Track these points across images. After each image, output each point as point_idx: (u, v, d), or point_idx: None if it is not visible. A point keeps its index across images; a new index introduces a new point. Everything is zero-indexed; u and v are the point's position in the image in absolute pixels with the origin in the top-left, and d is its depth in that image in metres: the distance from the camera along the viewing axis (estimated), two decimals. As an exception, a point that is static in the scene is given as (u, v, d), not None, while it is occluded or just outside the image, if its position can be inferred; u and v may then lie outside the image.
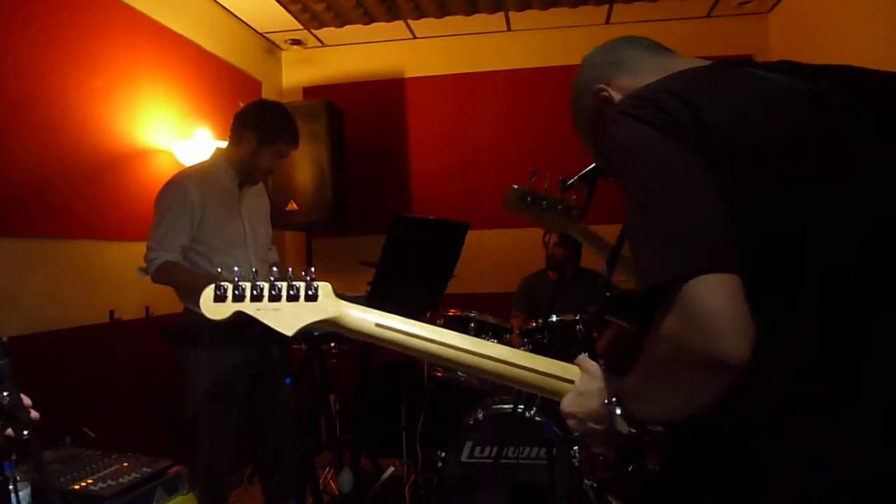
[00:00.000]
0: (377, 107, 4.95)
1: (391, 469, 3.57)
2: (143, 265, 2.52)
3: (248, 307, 1.01)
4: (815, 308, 0.84)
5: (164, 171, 3.43)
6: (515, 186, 1.83)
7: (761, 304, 0.80)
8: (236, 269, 1.10)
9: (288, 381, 2.32)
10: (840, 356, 0.83)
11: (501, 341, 3.21)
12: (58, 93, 2.83)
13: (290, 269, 1.04)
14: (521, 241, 4.41)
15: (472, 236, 2.39)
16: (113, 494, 1.80)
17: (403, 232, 2.08)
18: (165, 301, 2.81)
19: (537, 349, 2.77)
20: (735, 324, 0.78)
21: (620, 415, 0.96)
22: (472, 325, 3.19)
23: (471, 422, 3.02)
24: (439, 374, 3.22)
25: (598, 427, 1.00)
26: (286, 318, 1.01)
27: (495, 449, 2.89)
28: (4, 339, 1.23)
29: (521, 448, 2.91)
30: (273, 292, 1.02)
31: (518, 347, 3.22)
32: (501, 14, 4.50)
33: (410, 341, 1.04)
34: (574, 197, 1.89)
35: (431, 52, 4.92)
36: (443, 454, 3.02)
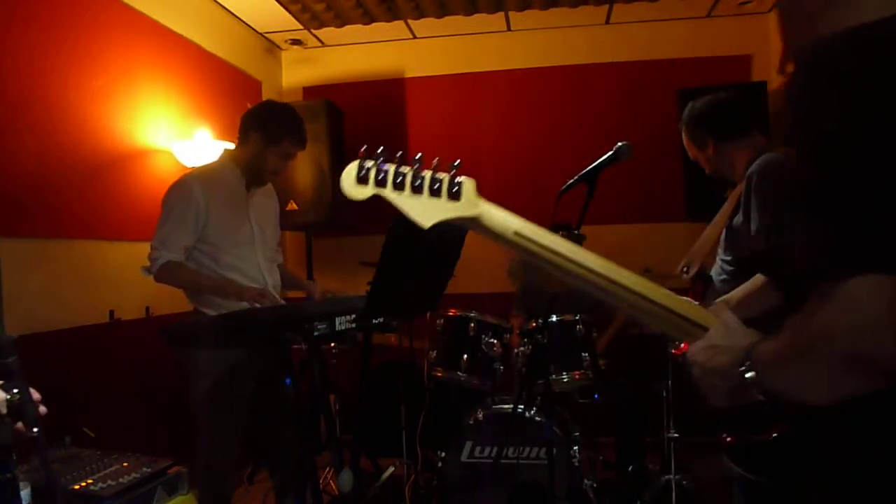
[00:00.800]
0: (377, 107, 4.95)
1: (391, 469, 3.57)
2: (147, 264, 2.53)
3: (388, 194, 0.99)
4: None
5: (164, 171, 3.43)
6: (516, 259, 1.88)
7: None
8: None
9: (288, 381, 2.32)
10: None
11: (501, 341, 3.22)
12: (58, 93, 2.83)
13: (435, 160, 1.01)
14: (521, 241, 4.40)
15: (472, 236, 2.37)
16: (113, 494, 1.80)
17: (403, 232, 2.08)
18: (165, 301, 2.81)
19: (537, 349, 2.77)
20: (893, 329, 0.75)
21: (751, 381, 0.93)
22: (472, 325, 3.20)
23: (471, 422, 3.02)
24: (439, 374, 3.22)
25: (721, 383, 0.98)
26: (426, 209, 0.99)
27: (495, 449, 2.89)
28: (14, 336, 1.24)
29: (521, 448, 2.91)
30: (416, 183, 0.99)
31: (518, 347, 3.25)
32: (501, 14, 4.50)
33: (545, 255, 1.03)
34: (577, 232, 1.95)
35: (431, 52, 4.92)
36: (443, 454, 3.02)
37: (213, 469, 2.50)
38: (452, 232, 2.36)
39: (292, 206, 4.20)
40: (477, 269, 3.86)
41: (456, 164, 0.99)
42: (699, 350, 1.02)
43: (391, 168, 0.99)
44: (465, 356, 3.16)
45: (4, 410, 1.21)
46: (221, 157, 2.77)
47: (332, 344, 3.66)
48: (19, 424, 1.22)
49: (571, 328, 3.18)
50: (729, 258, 2.10)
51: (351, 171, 0.99)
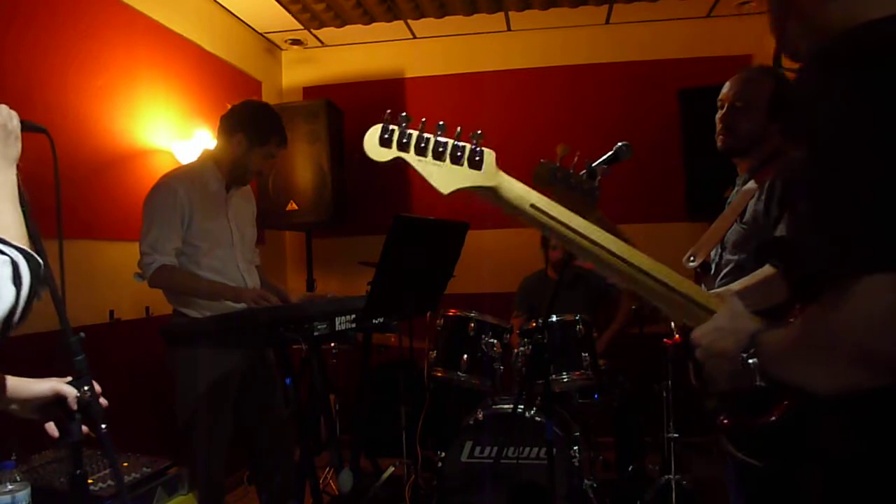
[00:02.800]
0: (377, 107, 4.89)
1: (391, 469, 3.57)
2: (139, 270, 2.51)
3: (411, 158, 1.02)
4: None
5: (163, 171, 3.43)
6: (545, 161, 1.81)
7: None
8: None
9: (288, 381, 2.32)
10: None
11: (501, 341, 3.21)
12: (58, 93, 2.83)
13: (458, 129, 1.04)
14: (521, 241, 4.40)
15: (472, 236, 2.38)
16: (113, 494, 1.80)
17: (403, 232, 2.08)
18: (165, 301, 2.81)
19: (537, 349, 2.77)
20: None
21: (754, 366, 0.94)
22: (472, 325, 3.20)
23: (471, 422, 3.02)
24: (439, 374, 3.22)
25: (724, 367, 1.00)
26: (446, 176, 1.02)
27: (495, 449, 2.89)
28: (82, 334, 1.25)
29: (521, 448, 2.91)
30: (439, 149, 1.02)
31: (518, 347, 3.25)
32: (501, 14, 4.50)
33: (559, 229, 1.05)
34: (596, 182, 1.87)
35: (431, 52, 4.92)
36: (443, 454, 3.02)
37: (209, 469, 2.50)
38: (453, 232, 2.36)
39: (292, 206, 4.20)
40: (477, 269, 3.86)
41: (479, 133, 1.02)
42: (704, 332, 1.03)
43: (414, 133, 1.01)
44: (465, 356, 3.16)
45: (76, 407, 1.22)
46: (201, 157, 2.74)
47: (332, 344, 3.66)
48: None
49: (571, 328, 3.18)
50: (735, 257, 2.09)
51: (374, 132, 1.01)
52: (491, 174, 1.04)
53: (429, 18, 4.47)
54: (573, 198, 1.80)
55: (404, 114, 1.02)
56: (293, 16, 4.36)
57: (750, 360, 0.94)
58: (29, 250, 1.13)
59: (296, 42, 4.87)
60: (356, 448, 2.64)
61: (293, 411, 2.56)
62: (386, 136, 1.01)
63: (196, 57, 3.89)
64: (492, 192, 1.05)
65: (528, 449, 2.90)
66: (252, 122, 2.60)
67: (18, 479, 1.40)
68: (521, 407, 2.87)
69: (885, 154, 0.76)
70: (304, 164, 4.16)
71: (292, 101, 4.86)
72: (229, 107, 2.70)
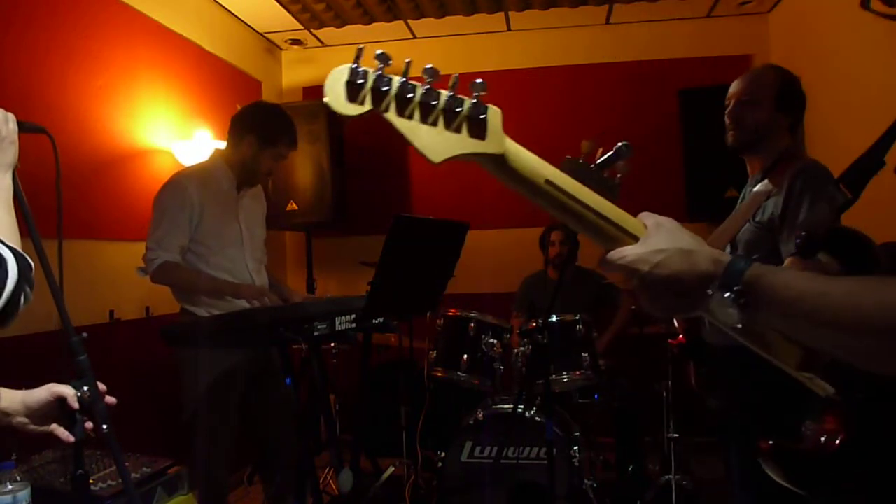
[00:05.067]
0: (377, 107, 4.94)
1: (391, 469, 3.57)
2: (143, 265, 2.53)
3: (390, 115, 0.77)
4: None
5: (164, 171, 3.42)
6: (570, 157, 1.79)
7: None
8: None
9: (288, 381, 2.32)
10: None
11: (501, 341, 3.21)
12: (58, 93, 2.83)
13: (454, 76, 0.81)
14: (521, 241, 4.40)
15: (472, 236, 2.38)
16: (113, 494, 1.80)
17: (403, 232, 2.08)
18: (165, 301, 2.81)
19: (537, 349, 2.77)
20: None
21: (732, 304, 0.79)
22: (472, 325, 3.20)
23: (471, 422, 3.02)
24: (439, 374, 3.22)
25: (675, 296, 0.83)
26: (437, 139, 0.79)
27: (495, 449, 2.89)
28: (84, 334, 1.25)
29: (521, 448, 2.91)
30: (430, 103, 0.78)
31: (518, 347, 3.24)
32: (501, 14, 4.50)
33: (576, 208, 0.89)
34: (618, 176, 1.86)
35: (431, 52, 4.92)
36: (443, 454, 3.02)
37: (211, 469, 2.50)
38: (453, 232, 2.36)
39: (292, 206, 4.20)
40: (477, 269, 3.86)
41: (479, 82, 0.79)
42: (644, 254, 0.84)
43: (396, 80, 0.77)
44: (465, 356, 3.16)
45: (77, 406, 1.22)
46: (213, 157, 2.76)
47: (332, 344, 3.66)
48: (88, 425, 1.24)
49: (571, 328, 3.18)
50: (743, 255, 2.08)
51: (339, 76, 0.76)
52: (497, 139, 0.81)
53: (429, 18, 4.47)
54: (597, 193, 1.79)
55: (381, 52, 0.77)
56: (293, 16, 4.36)
57: (727, 295, 0.79)
58: (20, 251, 1.13)
59: (296, 42, 4.87)
60: (356, 448, 2.64)
61: (293, 411, 2.57)
62: (359, 81, 0.76)
63: (196, 57, 3.89)
64: (496, 162, 0.82)
65: (528, 449, 2.90)
66: (262, 123, 2.61)
67: (18, 479, 1.40)
68: (521, 407, 2.87)
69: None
70: (304, 164, 4.16)
71: (292, 101, 4.86)
72: (239, 108, 2.72)
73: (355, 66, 0.75)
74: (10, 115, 1.28)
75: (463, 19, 4.51)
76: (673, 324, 2.43)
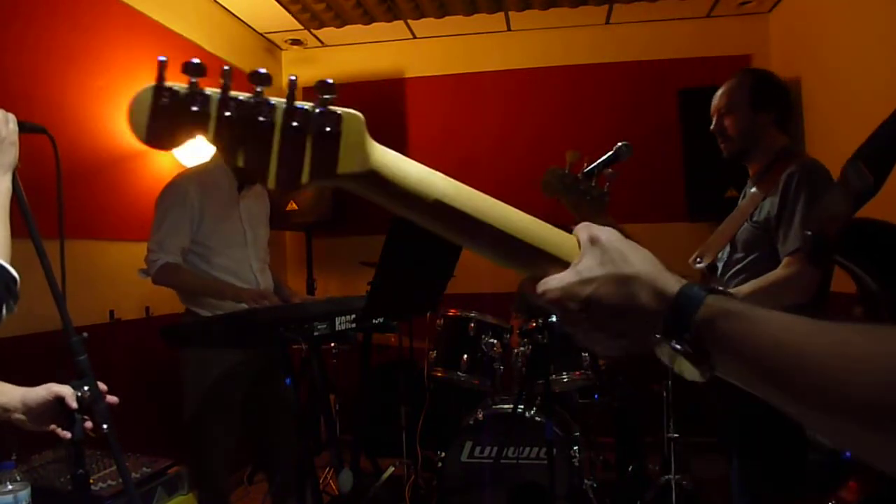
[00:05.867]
0: (377, 107, 4.94)
1: (391, 469, 3.57)
2: (144, 267, 2.53)
3: (210, 137, 0.59)
4: None
5: (164, 171, 3.43)
6: (553, 168, 1.77)
7: None
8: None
9: (288, 381, 2.32)
10: None
11: (501, 341, 3.21)
12: (58, 93, 2.83)
13: (292, 77, 0.63)
14: (521, 241, 4.40)
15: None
16: (113, 494, 1.80)
17: (403, 232, 2.08)
18: (165, 301, 2.81)
19: (537, 349, 2.77)
20: None
21: (692, 360, 0.61)
22: (472, 325, 3.20)
23: (471, 422, 3.01)
24: (439, 374, 3.22)
25: (617, 339, 0.68)
26: (276, 164, 0.60)
27: (495, 449, 2.89)
28: (85, 334, 1.25)
29: (521, 448, 2.91)
30: (258, 119, 0.59)
31: (518, 347, 3.24)
32: (501, 14, 4.50)
33: (472, 229, 0.72)
34: (607, 185, 1.83)
35: (431, 52, 4.92)
36: (443, 454, 3.02)
37: (212, 469, 2.51)
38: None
39: (292, 206, 4.20)
40: (477, 269, 3.85)
41: (329, 83, 0.59)
42: (571, 285, 0.66)
43: (214, 95, 0.59)
44: (465, 356, 3.16)
45: (75, 405, 1.22)
46: (213, 158, 2.75)
47: (332, 344, 3.66)
48: (88, 424, 1.24)
49: (571, 328, 3.17)
50: (745, 255, 2.09)
51: (144, 99, 0.59)
52: (358, 154, 0.62)
53: (429, 18, 4.47)
54: (583, 205, 1.78)
55: (196, 60, 0.60)
56: (293, 16, 4.36)
57: (675, 346, 0.62)
58: (5, 264, 1.13)
59: (296, 42, 4.87)
60: (356, 448, 2.64)
61: (293, 411, 2.57)
62: (164, 99, 0.58)
63: (196, 57, 3.88)
64: (366, 181, 0.64)
65: (528, 449, 2.90)
66: None
67: (18, 479, 1.40)
68: (521, 407, 2.87)
69: None
70: (304, 164, 4.15)
71: (292, 101, 4.86)
72: None
73: (162, 83, 0.60)
74: (11, 116, 1.28)
75: (463, 19, 4.51)
76: None
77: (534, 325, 2.98)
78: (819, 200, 1.90)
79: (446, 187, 0.67)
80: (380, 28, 4.61)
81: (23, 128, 1.31)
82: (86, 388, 1.25)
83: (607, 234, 0.67)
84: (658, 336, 0.62)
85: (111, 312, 3.09)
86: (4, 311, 1.11)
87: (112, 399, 1.31)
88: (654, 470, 3.50)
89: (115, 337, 3.09)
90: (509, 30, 4.78)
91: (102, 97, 3.08)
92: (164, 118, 0.57)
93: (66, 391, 1.27)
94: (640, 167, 3.88)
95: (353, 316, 2.15)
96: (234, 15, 4.31)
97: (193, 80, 0.58)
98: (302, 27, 4.57)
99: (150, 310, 3.30)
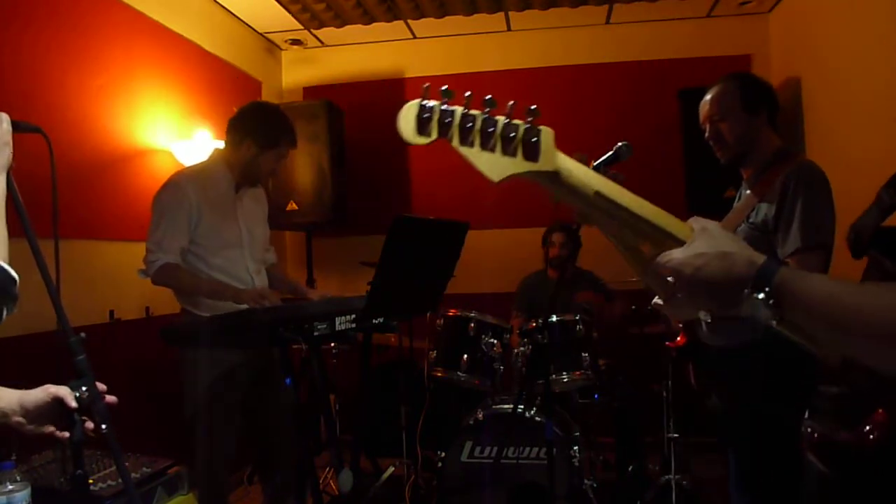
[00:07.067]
0: (377, 107, 4.93)
1: (391, 469, 3.58)
2: (143, 267, 2.52)
3: (457, 146, 0.87)
4: None
5: (164, 171, 3.42)
6: None
7: None
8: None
9: (288, 381, 2.32)
10: None
11: (501, 341, 3.21)
12: (58, 93, 2.83)
13: (510, 103, 0.89)
14: (521, 241, 4.41)
15: (472, 236, 2.38)
16: (113, 494, 1.80)
17: (403, 232, 2.08)
18: (165, 301, 2.81)
19: (537, 349, 2.77)
20: None
21: (762, 306, 0.85)
22: (472, 325, 3.20)
23: (471, 422, 3.02)
24: (439, 374, 3.22)
25: (713, 296, 0.90)
26: (495, 161, 0.88)
27: (495, 449, 2.89)
28: (83, 335, 1.25)
29: (521, 448, 2.91)
30: (488, 129, 0.87)
31: (518, 347, 3.25)
32: (501, 14, 4.50)
33: (626, 218, 0.96)
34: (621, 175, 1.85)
35: (431, 52, 4.92)
36: (443, 454, 3.02)
37: (212, 469, 2.50)
38: (453, 232, 2.36)
39: (292, 206, 4.20)
40: (477, 269, 3.86)
41: (534, 108, 0.89)
42: (688, 258, 0.90)
43: (458, 111, 0.87)
44: (465, 356, 3.16)
45: (74, 405, 1.22)
46: (212, 157, 2.75)
47: (332, 344, 3.66)
48: (88, 425, 1.24)
49: (571, 328, 3.18)
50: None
51: (410, 111, 0.86)
52: (549, 157, 0.90)
53: (429, 18, 4.47)
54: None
55: (445, 87, 0.87)
56: (293, 16, 4.36)
57: (759, 296, 0.85)
58: (4, 265, 1.13)
59: (296, 42, 4.87)
60: (356, 448, 2.64)
61: (293, 411, 2.57)
62: (425, 115, 0.86)
63: (196, 57, 3.89)
64: (549, 178, 0.92)
65: (528, 449, 2.90)
66: (259, 127, 2.59)
67: (18, 479, 1.40)
68: (521, 407, 2.87)
69: None
70: (304, 164, 4.16)
71: (292, 101, 4.86)
72: (235, 110, 2.70)
73: (423, 101, 0.86)
74: (4, 116, 1.27)
75: (463, 19, 4.51)
76: (671, 325, 2.43)
77: (534, 325, 2.98)
78: (817, 202, 1.93)
79: (602, 184, 0.94)
80: (380, 28, 4.61)
81: (17, 127, 1.30)
82: (84, 388, 1.24)
83: (713, 224, 0.94)
84: (747, 291, 0.86)
85: (111, 312, 3.09)
86: (4, 311, 1.10)
87: (111, 399, 1.31)
88: (654, 470, 3.50)
89: (115, 337, 3.09)
90: (509, 30, 4.78)
91: (102, 97, 3.08)
92: (425, 125, 0.86)
93: (63, 391, 1.26)
94: (640, 167, 3.86)
95: (353, 316, 2.15)
96: (233, 15, 4.31)
97: (445, 100, 0.86)
98: (302, 27, 4.57)
99: (150, 310, 3.30)
